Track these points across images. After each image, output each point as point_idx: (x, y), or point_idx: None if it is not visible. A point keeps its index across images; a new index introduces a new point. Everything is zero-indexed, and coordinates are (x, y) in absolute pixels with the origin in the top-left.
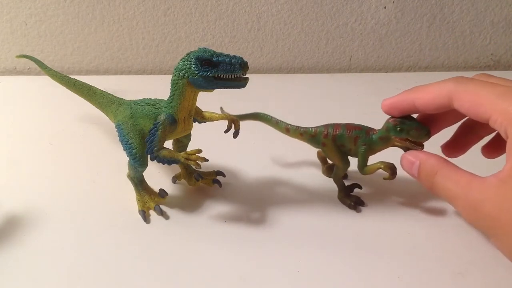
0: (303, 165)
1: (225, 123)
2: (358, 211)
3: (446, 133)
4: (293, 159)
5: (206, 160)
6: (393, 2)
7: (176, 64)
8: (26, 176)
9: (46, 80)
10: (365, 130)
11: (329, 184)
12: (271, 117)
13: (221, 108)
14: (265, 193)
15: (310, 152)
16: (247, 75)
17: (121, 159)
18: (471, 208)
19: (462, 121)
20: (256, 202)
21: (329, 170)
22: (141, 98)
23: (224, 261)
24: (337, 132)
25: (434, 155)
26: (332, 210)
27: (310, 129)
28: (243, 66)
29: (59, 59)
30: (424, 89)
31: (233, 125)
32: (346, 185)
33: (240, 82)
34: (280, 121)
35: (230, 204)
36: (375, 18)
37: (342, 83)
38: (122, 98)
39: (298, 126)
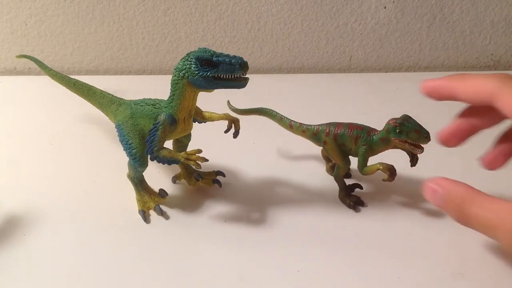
0: (303, 165)
1: (225, 123)
2: (358, 211)
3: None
4: (293, 159)
5: (206, 160)
6: (393, 2)
7: (176, 64)
8: (26, 176)
9: (46, 80)
10: (367, 130)
11: (330, 183)
12: (276, 112)
13: (228, 102)
14: (265, 193)
15: (310, 152)
16: (247, 75)
17: (121, 159)
18: None
19: (503, 131)
20: (256, 202)
21: (333, 169)
22: (141, 98)
23: (224, 261)
24: (339, 131)
25: (460, 183)
26: (332, 210)
27: (313, 126)
28: (243, 66)
29: (59, 59)
30: (467, 80)
31: (233, 125)
32: (347, 184)
33: (240, 82)
34: (284, 117)
35: (230, 204)
36: (375, 18)
37: (342, 83)
38: (122, 98)
39: (301, 123)
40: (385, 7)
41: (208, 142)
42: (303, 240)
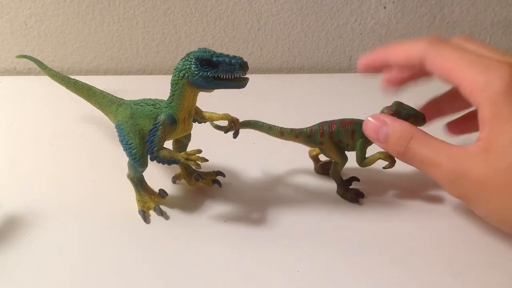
0: (302, 165)
1: (225, 123)
2: (360, 203)
3: None
4: (293, 159)
5: (206, 160)
6: (393, 2)
7: (176, 64)
8: (26, 176)
9: (46, 80)
10: (360, 123)
11: (329, 183)
12: (263, 123)
13: (211, 122)
14: (265, 193)
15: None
16: (247, 75)
17: (121, 159)
18: (454, 175)
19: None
20: (256, 202)
21: (322, 168)
22: (141, 98)
23: (224, 261)
24: (333, 129)
25: (403, 121)
26: (332, 209)
27: (305, 129)
28: (243, 66)
29: (59, 59)
30: (398, 47)
31: (233, 125)
32: (344, 179)
33: (240, 82)
34: (273, 125)
35: (230, 204)
36: (375, 18)
37: (342, 83)
38: (122, 98)
39: (293, 128)
40: (385, 7)
41: (208, 142)
42: (303, 240)
